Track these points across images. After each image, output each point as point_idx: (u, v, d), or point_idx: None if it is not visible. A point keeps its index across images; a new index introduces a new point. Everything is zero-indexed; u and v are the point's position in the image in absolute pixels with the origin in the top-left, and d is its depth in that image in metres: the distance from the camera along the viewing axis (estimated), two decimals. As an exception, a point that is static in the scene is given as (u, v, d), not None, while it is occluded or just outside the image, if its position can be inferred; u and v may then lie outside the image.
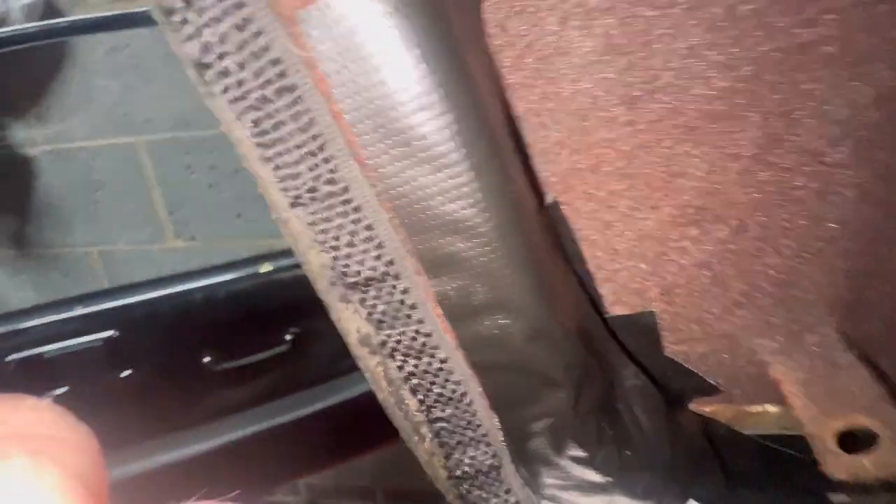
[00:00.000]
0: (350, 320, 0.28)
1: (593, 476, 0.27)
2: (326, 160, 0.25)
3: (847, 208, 0.27)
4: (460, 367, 0.27)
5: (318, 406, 1.11)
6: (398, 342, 0.27)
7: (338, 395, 1.12)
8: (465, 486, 0.30)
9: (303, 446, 1.19)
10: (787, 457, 0.32)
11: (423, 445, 0.28)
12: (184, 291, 1.03)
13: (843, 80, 0.24)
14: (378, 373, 0.29)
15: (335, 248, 0.28)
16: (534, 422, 0.27)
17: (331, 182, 0.26)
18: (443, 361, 0.26)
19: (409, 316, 0.26)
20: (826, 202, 0.27)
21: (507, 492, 0.28)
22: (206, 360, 1.14)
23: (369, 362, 0.29)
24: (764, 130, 0.26)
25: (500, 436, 0.27)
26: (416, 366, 0.27)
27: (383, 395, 0.29)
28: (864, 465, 0.23)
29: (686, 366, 0.32)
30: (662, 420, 0.29)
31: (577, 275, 0.30)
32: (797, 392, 0.26)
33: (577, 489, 0.28)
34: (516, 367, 0.26)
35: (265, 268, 1.05)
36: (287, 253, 1.05)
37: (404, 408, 0.29)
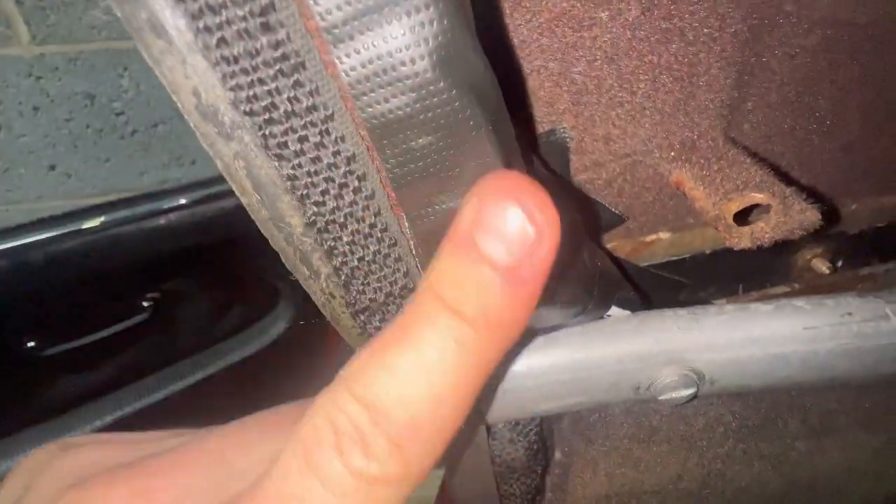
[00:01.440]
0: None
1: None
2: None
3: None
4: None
5: (195, 378, 0.96)
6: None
7: (218, 361, 0.98)
8: (365, 316, 0.23)
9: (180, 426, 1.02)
10: (674, 282, 0.34)
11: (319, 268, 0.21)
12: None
13: None
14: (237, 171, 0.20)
15: None
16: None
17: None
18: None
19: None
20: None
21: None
22: (30, 344, 0.90)
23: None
24: None
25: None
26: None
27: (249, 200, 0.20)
28: (764, 229, 0.25)
29: (593, 196, 0.31)
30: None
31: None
32: (696, 186, 0.27)
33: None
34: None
35: (91, 222, 0.83)
36: (124, 203, 0.85)
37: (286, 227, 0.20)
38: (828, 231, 0.34)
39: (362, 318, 0.23)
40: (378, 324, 0.23)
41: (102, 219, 0.84)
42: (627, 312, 0.27)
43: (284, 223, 0.20)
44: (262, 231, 0.21)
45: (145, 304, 0.94)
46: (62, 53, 1.22)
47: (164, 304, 0.97)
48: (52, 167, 1.26)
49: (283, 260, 0.21)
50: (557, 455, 0.32)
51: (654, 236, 0.33)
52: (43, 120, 1.24)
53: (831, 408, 0.32)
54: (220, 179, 0.91)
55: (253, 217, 0.20)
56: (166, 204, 0.88)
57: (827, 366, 0.25)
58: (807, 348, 0.25)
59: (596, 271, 0.26)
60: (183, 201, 0.86)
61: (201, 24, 0.15)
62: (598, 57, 0.26)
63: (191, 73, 0.17)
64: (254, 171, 0.19)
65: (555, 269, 0.13)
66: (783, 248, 0.31)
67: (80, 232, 0.86)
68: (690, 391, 0.26)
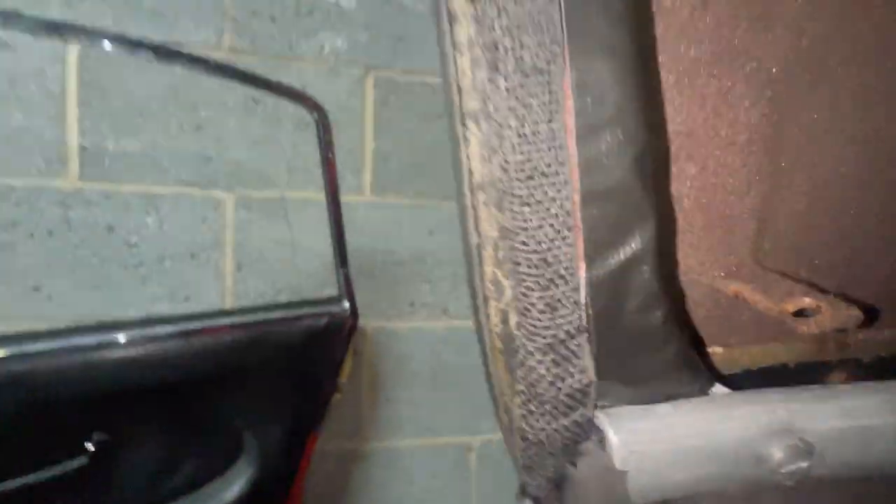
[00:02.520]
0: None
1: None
2: None
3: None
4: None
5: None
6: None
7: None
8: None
9: None
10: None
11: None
12: None
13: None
14: None
15: None
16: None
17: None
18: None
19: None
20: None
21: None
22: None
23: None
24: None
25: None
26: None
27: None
28: (823, 321, 0.31)
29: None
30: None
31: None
32: (754, 295, 0.27)
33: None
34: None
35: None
36: (75, 331, 0.77)
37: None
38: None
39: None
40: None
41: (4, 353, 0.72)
42: (727, 389, 0.26)
43: None
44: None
45: (89, 446, 0.80)
46: (101, 191, 1.32)
47: (110, 449, 0.83)
48: (37, 288, 1.23)
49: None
50: None
51: (709, 350, 0.33)
52: (52, 244, 1.26)
53: None
54: (193, 317, 0.90)
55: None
56: (125, 336, 0.81)
57: None
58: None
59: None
60: (144, 335, 0.82)
61: None
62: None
63: None
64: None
65: None
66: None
67: (23, 357, 0.74)
68: (804, 463, 0.23)
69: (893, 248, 0.36)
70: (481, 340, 0.29)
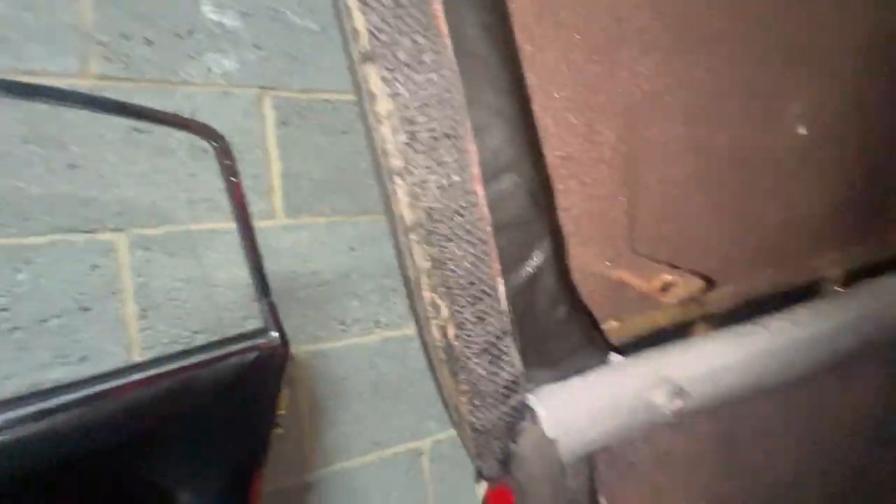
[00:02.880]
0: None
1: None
2: None
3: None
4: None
5: None
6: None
7: None
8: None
9: None
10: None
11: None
12: None
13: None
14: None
15: None
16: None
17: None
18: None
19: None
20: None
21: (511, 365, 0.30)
22: None
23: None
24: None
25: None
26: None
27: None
28: (677, 293, 0.33)
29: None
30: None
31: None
32: (632, 278, 0.35)
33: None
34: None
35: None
36: None
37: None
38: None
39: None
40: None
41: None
42: (621, 357, 0.34)
43: None
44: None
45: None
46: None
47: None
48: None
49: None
50: (603, 502, 0.33)
51: (606, 325, 0.41)
52: None
53: (772, 421, 0.39)
54: (95, 378, 0.83)
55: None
56: (13, 414, 0.73)
57: (763, 376, 0.33)
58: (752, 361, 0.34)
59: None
60: (37, 410, 0.74)
61: None
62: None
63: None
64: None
65: None
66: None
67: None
68: (680, 402, 0.31)
69: (723, 229, 0.47)
70: (427, 354, 0.34)
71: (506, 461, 0.34)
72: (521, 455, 0.33)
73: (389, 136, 0.29)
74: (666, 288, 0.38)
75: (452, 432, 1.98)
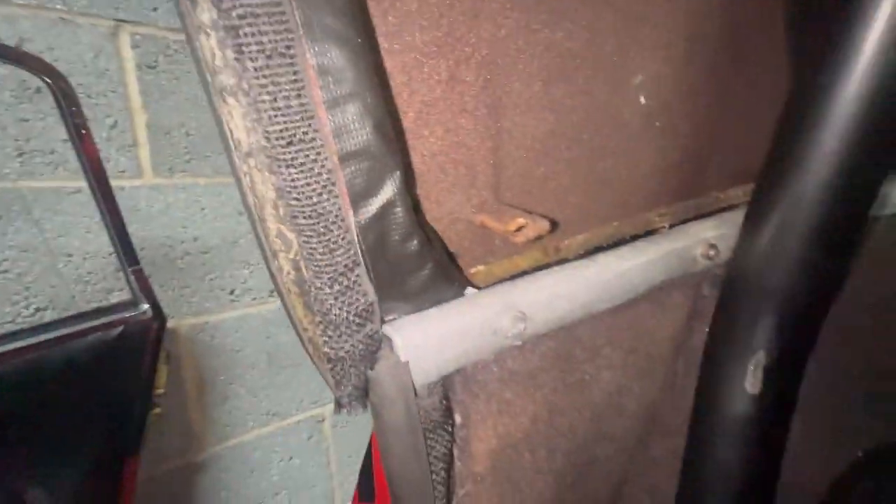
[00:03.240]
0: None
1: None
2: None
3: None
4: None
5: None
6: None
7: None
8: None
9: None
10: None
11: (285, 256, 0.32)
12: None
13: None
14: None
15: None
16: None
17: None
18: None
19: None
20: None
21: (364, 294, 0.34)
22: None
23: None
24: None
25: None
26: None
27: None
28: (527, 233, 0.43)
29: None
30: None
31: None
32: (493, 223, 0.38)
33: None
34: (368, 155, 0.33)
35: None
36: None
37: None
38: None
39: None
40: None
41: None
42: (475, 290, 0.37)
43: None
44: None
45: None
46: None
47: None
48: None
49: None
50: (458, 419, 0.36)
51: (474, 269, 0.44)
52: None
53: (600, 340, 0.45)
54: None
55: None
56: None
57: (597, 302, 0.39)
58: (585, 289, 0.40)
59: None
60: None
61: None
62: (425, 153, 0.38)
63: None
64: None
65: None
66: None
67: None
68: (522, 326, 0.35)
69: (577, 184, 0.53)
70: (278, 290, 0.33)
71: (363, 388, 0.36)
72: (377, 380, 0.35)
73: (217, 50, 0.26)
74: (519, 229, 0.41)
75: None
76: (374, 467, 0.91)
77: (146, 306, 1.12)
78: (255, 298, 1.55)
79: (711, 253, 0.53)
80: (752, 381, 0.43)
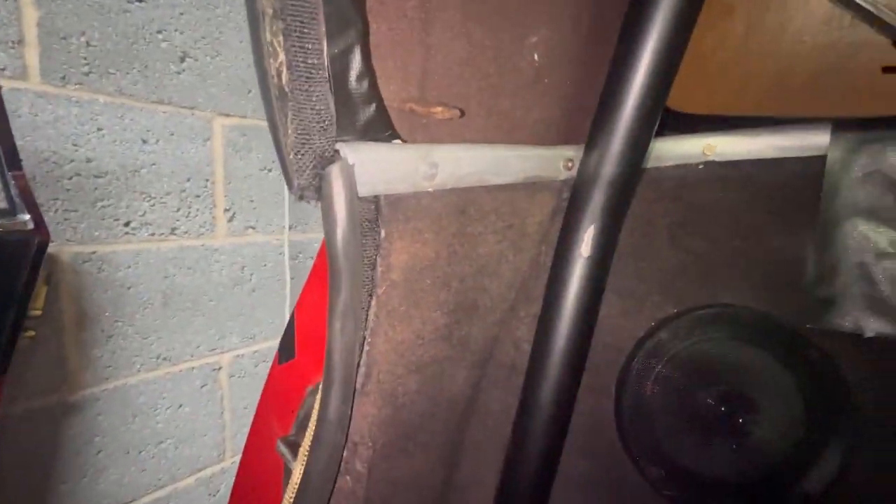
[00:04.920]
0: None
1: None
2: None
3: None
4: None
5: None
6: None
7: None
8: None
9: None
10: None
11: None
12: None
13: None
14: None
15: None
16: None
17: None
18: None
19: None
20: None
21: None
22: None
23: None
24: None
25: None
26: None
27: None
28: (443, 113, 0.49)
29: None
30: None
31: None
32: (419, 108, 0.49)
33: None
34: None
35: None
36: None
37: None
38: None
39: None
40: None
41: None
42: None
43: None
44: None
45: None
46: None
47: None
48: None
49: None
50: (383, 232, 0.48)
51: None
52: None
53: (489, 207, 0.60)
54: None
55: None
56: None
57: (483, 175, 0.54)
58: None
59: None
60: None
61: None
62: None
63: None
64: None
65: None
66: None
67: None
68: (434, 171, 0.48)
69: (480, 112, 0.67)
70: (265, 96, 0.41)
71: (317, 185, 0.46)
72: (329, 176, 0.46)
73: None
74: (436, 113, 0.54)
75: (256, 347, 1.94)
76: (295, 328, 0.97)
77: (27, 217, 1.03)
78: (154, 234, 1.47)
79: (569, 164, 0.72)
80: (584, 247, 0.63)
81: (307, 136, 0.42)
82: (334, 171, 0.44)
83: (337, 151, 0.45)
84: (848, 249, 0.72)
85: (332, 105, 0.43)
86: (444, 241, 0.57)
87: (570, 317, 0.65)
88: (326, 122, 0.43)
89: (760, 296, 0.79)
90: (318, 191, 0.44)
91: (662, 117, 0.66)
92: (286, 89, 0.40)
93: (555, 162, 0.71)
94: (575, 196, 0.66)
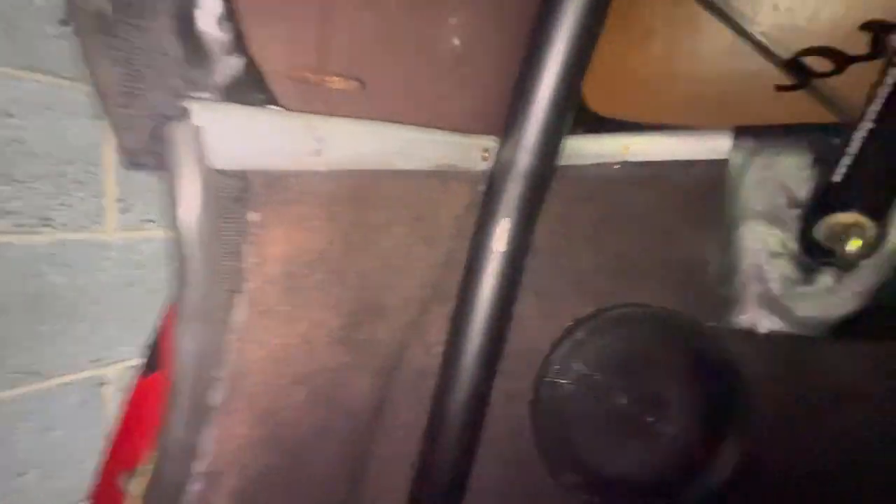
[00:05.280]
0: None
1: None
2: None
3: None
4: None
5: None
6: None
7: None
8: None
9: None
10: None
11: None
12: None
13: None
14: None
15: None
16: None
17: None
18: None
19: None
20: None
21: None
22: None
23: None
24: None
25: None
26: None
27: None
28: (336, 83, 0.43)
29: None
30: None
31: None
32: (311, 77, 0.41)
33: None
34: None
35: None
36: None
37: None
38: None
39: None
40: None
41: None
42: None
43: None
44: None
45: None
46: None
47: None
48: None
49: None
50: (255, 216, 0.39)
51: None
52: None
53: (395, 194, 0.55)
54: None
55: None
56: None
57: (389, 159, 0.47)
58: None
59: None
60: None
61: None
62: None
63: None
64: None
65: None
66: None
67: None
68: (319, 146, 0.41)
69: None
70: (82, 26, 0.33)
71: (156, 148, 0.37)
72: (170, 140, 0.36)
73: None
74: (331, 82, 0.47)
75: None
76: (159, 335, 0.83)
77: None
78: (20, 225, 1.24)
79: (486, 155, 0.69)
80: (499, 241, 0.59)
81: (136, 82, 0.33)
82: (177, 134, 0.35)
83: (185, 109, 0.36)
84: (746, 250, 0.75)
85: (175, 47, 0.34)
86: (338, 230, 0.50)
87: (485, 314, 0.60)
88: (165, 69, 0.35)
89: (673, 295, 0.80)
90: (157, 157, 0.35)
91: (585, 118, 0.65)
92: (106, 12, 0.31)
93: (471, 151, 0.67)
94: (490, 188, 0.62)
